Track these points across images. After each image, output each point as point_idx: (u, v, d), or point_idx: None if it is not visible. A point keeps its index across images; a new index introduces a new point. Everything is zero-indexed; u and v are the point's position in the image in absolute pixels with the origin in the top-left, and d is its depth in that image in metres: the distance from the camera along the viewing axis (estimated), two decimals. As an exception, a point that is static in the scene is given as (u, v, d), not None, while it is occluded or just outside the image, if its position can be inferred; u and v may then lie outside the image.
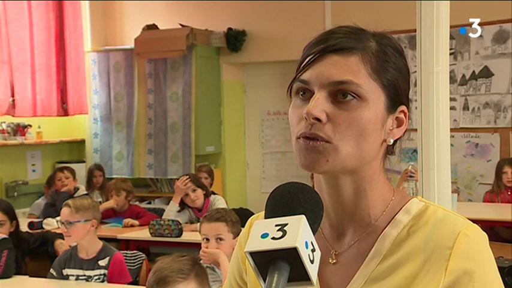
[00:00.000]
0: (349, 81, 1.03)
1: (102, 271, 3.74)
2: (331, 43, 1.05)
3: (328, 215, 1.12)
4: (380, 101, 1.06)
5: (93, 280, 3.74)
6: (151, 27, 7.53)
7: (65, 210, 3.84)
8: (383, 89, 1.06)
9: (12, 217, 4.35)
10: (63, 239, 4.67)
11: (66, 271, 3.80)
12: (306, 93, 1.06)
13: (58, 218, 5.51)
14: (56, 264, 3.86)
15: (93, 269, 3.76)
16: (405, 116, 1.10)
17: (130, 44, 7.64)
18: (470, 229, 1.05)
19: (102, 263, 3.76)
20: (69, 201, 3.96)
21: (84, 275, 3.76)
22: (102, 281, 3.74)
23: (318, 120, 1.02)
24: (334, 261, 1.11)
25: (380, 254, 1.07)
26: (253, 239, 0.89)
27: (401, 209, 1.10)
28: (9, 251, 4.00)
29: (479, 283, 1.01)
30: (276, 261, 0.87)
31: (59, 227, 5.28)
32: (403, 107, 1.10)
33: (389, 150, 1.13)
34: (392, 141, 1.09)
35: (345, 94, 1.03)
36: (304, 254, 0.86)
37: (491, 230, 5.26)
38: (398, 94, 1.09)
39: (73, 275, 3.78)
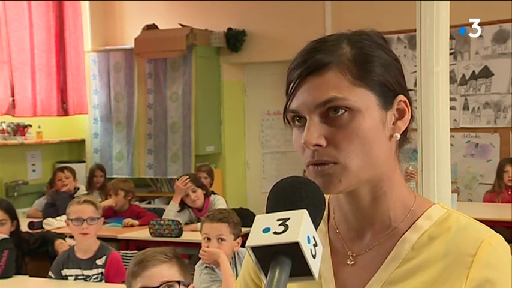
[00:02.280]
0: (333, 98, 1.01)
1: (100, 270, 3.75)
2: (306, 66, 1.04)
3: (348, 220, 1.12)
4: (372, 103, 1.04)
5: (91, 279, 3.74)
6: (151, 27, 7.53)
7: (87, 207, 3.81)
8: (371, 91, 1.04)
9: (13, 217, 4.35)
10: (63, 239, 4.68)
11: (64, 272, 3.79)
12: (302, 119, 1.05)
13: (59, 218, 5.55)
14: (54, 266, 3.85)
15: (91, 269, 3.76)
16: (406, 104, 1.08)
17: (130, 44, 7.63)
18: (494, 238, 1.04)
19: (99, 262, 3.76)
20: (89, 198, 4.00)
21: (83, 275, 3.76)
22: (100, 280, 3.74)
23: (318, 145, 1.02)
24: (352, 262, 1.11)
25: (399, 258, 1.06)
26: (254, 233, 0.89)
27: (422, 214, 1.09)
28: (10, 251, 3.99)
29: None
30: (278, 256, 0.86)
31: (59, 227, 5.34)
32: (400, 97, 1.07)
33: (403, 140, 1.11)
34: (398, 135, 1.07)
35: (336, 110, 1.02)
36: (306, 249, 0.86)
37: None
38: (390, 89, 1.06)
39: (71, 275, 3.78)
